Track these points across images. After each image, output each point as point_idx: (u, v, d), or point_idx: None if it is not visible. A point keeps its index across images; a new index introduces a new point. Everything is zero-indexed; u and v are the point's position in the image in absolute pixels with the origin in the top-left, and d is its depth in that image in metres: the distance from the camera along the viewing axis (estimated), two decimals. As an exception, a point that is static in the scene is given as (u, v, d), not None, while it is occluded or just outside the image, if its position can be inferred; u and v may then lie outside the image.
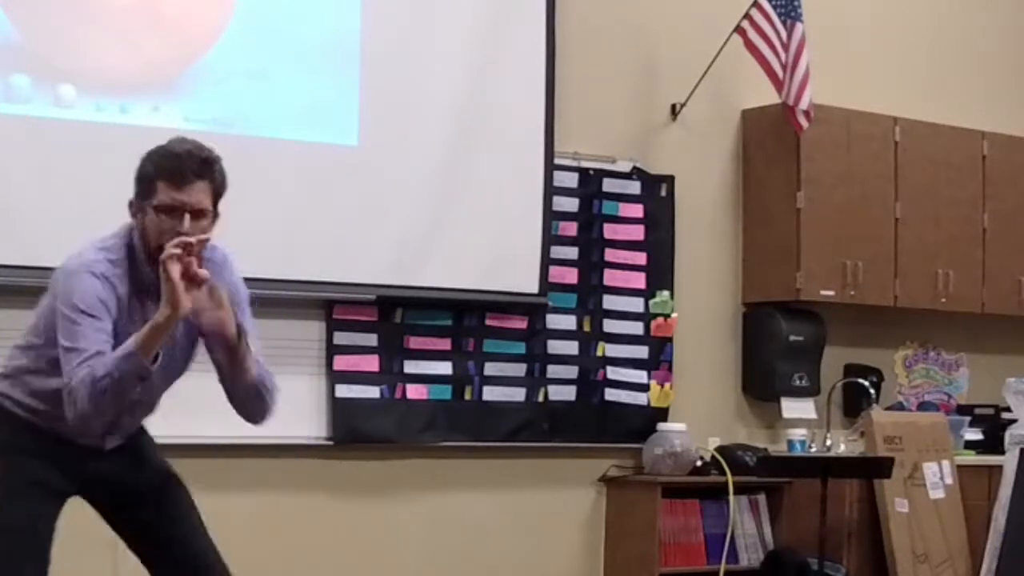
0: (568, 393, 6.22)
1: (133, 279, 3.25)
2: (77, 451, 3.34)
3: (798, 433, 6.59)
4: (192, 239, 3.08)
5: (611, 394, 6.32)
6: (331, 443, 5.71)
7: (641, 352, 6.39)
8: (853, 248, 6.67)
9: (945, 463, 6.47)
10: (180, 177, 3.20)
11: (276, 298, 5.48)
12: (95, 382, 3.05)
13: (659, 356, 6.43)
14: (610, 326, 6.34)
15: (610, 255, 6.37)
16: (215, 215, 3.28)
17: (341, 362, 5.73)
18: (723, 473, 6.29)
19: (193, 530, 3.49)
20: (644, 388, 6.38)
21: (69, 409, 3.10)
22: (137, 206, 3.26)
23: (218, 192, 3.28)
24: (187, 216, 3.18)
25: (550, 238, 6.10)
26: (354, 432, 5.73)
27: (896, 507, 6.20)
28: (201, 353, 3.42)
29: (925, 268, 6.91)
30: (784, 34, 6.26)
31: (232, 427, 5.38)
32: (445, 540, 5.97)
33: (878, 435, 6.28)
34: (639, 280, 6.41)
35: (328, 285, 5.65)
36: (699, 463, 6.32)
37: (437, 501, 5.97)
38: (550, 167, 6.10)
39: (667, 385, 6.43)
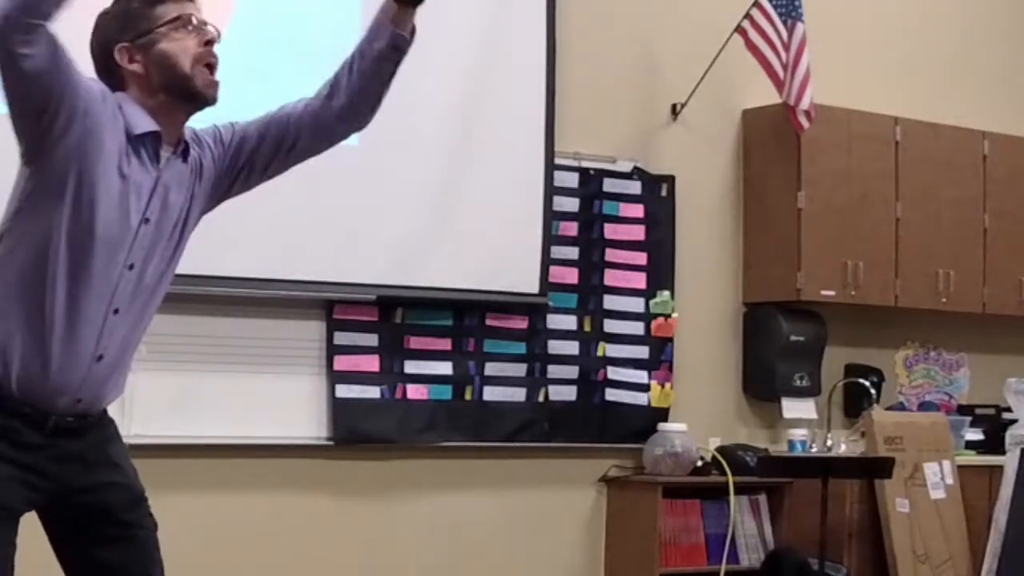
0: (568, 393, 6.22)
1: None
2: (35, 437, 2.74)
3: (799, 433, 6.59)
4: None
5: (611, 394, 6.32)
6: (331, 443, 5.70)
7: (642, 352, 6.38)
8: (853, 248, 6.67)
9: (946, 463, 6.46)
10: None
11: (276, 298, 5.49)
12: None
13: (659, 356, 6.42)
14: (610, 326, 6.34)
15: (610, 255, 6.36)
16: None
17: (341, 362, 5.73)
18: (723, 473, 6.28)
19: None
20: (644, 388, 6.37)
21: None
22: (133, 49, 2.81)
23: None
24: (208, 28, 2.81)
25: (550, 238, 6.10)
26: (354, 432, 5.72)
27: (897, 507, 6.19)
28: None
29: (926, 268, 6.90)
30: (785, 34, 6.26)
31: (232, 427, 5.44)
32: (445, 540, 5.97)
33: (879, 435, 6.28)
34: (639, 280, 6.41)
35: (328, 285, 5.65)
36: (699, 463, 6.31)
37: (437, 501, 5.97)
38: (550, 167, 6.10)
39: (667, 385, 6.42)
